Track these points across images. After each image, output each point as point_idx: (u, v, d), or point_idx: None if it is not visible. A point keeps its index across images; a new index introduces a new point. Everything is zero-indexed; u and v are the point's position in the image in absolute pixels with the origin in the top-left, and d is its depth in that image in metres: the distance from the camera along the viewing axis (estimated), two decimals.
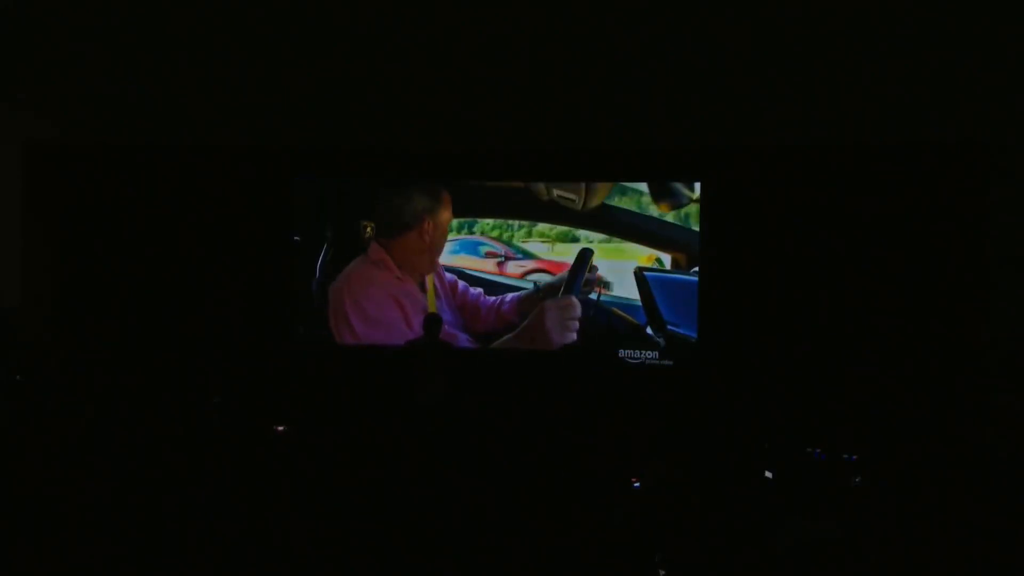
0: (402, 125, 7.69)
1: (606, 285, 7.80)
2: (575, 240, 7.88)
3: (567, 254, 7.87)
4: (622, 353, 7.76)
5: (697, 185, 7.67)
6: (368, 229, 7.89)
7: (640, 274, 7.71)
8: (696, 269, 7.67)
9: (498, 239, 8.02)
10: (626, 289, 7.80)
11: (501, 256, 7.98)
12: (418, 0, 6.42)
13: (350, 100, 7.62)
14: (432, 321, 6.71)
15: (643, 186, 7.79)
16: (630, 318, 7.76)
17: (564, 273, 7.80)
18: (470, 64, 7.22)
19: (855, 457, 5.30)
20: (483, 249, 8.03)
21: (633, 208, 7.82)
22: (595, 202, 7.85)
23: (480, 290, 7.99)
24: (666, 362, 7.69)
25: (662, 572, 3.81)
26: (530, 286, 7.93)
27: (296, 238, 8.07)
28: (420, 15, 6.57)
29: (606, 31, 6.66)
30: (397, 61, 7.25)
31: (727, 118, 7.31)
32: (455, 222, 8.02)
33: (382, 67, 7.36)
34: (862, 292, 7.36)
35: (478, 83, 7.34)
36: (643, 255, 7.78)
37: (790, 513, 4.07)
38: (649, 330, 7.73)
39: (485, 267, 8.03)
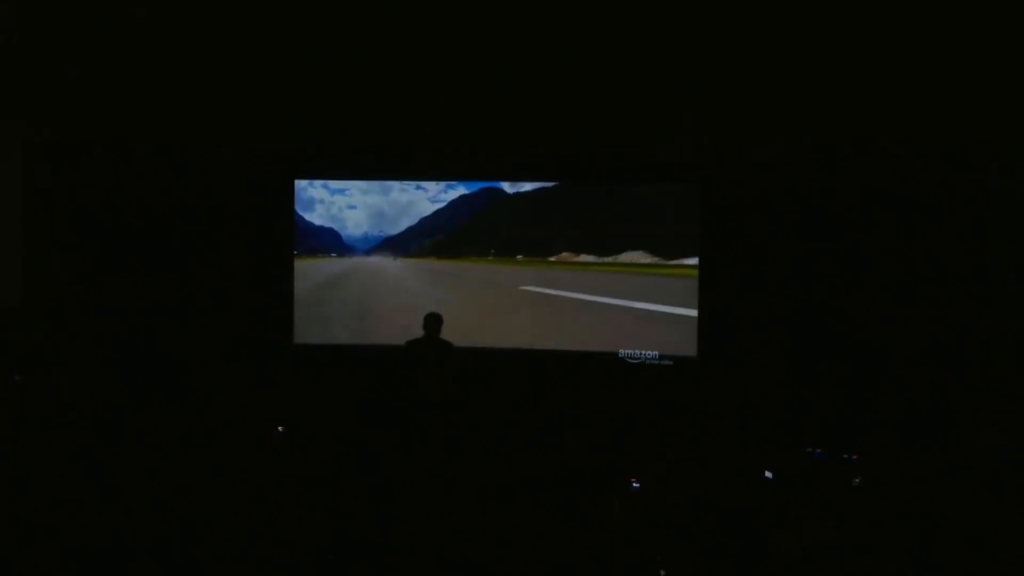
0: (402, 126, 7.67)
1: None
2: None
3: None
4: (622, 353, 7.76)
5: None
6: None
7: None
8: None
9: None
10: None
11: None
12: (418, 2, 6.41)
13: (351, 101, 7.61)
14: (432, 319, 6.68)
15: None
16: None
17: None
18: (470, 65, 7.21)
19: (855, 457, 5.30)
20: None
21: None
22: None
23: None
24: (666, 362, 7.69)
25: (662, 572, 3.81)
26: None
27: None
28: (421, 16, 6.55)
29: (606, 31, 6.64)
30: (398, 62, 7.23)
31: (727, 118, 7.30)
32: None
33: (383, 68, 7.34)
34: (862, 292, 7.35)
35: (478, 84, 7.33)
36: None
37: (790, 513, 4.07)
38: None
39: None
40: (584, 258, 8.02)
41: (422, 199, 8.27)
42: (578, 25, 6.54)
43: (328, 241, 8.36)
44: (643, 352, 7.73)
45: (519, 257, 8.17)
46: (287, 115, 7.66)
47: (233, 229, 8.10)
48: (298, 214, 8.24)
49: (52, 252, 8.14)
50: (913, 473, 4.96)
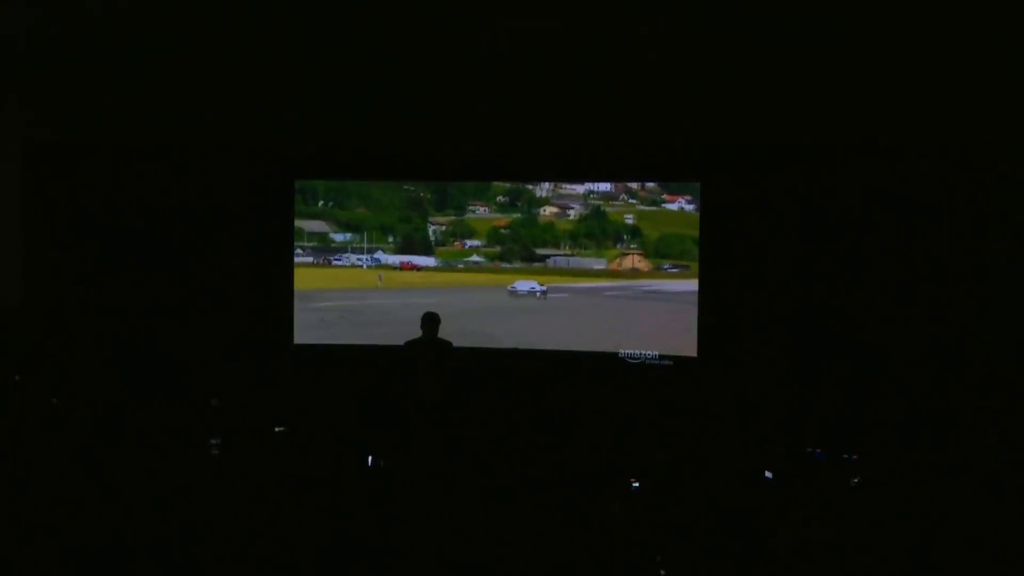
0: (402, 127, 7.68)
1: None
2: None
3: None
4: (622, 353, 7.76)
5: None
6: None
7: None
8: None
9: None
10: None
11: None
12: (418, 2, 6.41)
13: (351, 101, 7.61)
14: (430, 319, 6.66)
15: None
16: None
17: None
18: (470, 65, 7.22)
19: (855, 457, 5.30)
20: None
21: None
22: None
23: None
24: (666, 362, 7.69)
25: (662, 572, 3.81)
26: None
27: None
28: (420, 17, 6.56)
29: (606, 31, 6.65)
30: (397, 62, 7.24)
31: (727, 118, 7.30)
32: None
33: (382, 68, 7.36)
34: (862, 292, 7.35)
35: (478, 84, 7.33)
36: None
37: (790, 513, 4.07)
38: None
39: None
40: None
41: None
42: (577, 25, 6.55)
43: None
44: (643, 352, 7.73)
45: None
46: (287, 115, 7.66)
47: (233, 229, 8.09)
48: None
49: (52, 252, 8.13)
50: (913, 473, 4.96)
